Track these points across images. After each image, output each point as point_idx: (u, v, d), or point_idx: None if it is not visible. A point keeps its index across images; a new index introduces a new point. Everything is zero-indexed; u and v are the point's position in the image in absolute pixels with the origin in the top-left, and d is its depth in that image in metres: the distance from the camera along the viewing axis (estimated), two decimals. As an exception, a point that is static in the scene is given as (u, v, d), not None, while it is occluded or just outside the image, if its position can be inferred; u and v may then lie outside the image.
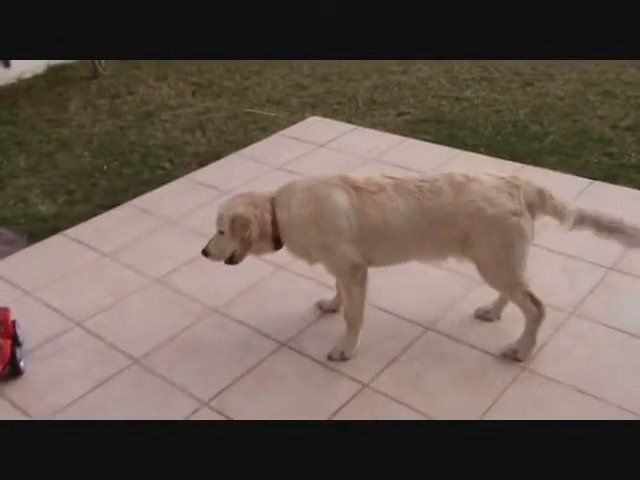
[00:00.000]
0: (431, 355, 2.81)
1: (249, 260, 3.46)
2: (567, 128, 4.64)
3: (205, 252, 2.85)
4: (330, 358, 2.83)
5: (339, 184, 2.69)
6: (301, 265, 3.36)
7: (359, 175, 2.74)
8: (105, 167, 4.52)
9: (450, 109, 5.10)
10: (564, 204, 2.63)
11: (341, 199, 2.65)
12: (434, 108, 5.14)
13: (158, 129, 5.04)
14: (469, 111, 5.05)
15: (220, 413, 2.59)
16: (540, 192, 2.63)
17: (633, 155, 4.23)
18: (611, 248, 3.29)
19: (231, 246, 2.79)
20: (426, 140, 4.61)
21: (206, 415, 2.58)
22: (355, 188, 2.67)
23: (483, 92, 5.36)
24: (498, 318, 2.96)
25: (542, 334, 2.77)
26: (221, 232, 2.80)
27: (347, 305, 2.83)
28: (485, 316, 2.97)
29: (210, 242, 2.85)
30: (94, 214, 3.99)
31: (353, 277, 2.73)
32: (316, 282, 3.24)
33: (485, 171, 2.71)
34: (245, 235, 2.73)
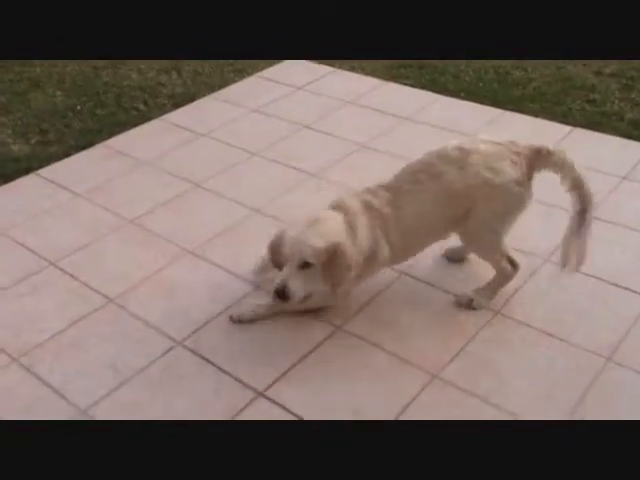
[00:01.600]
0: (405, 299, 2.83)
1: (224, 202, 3.45)
2: (550, 75, 4.59)
3: (284, 295, 2.41)
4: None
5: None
6: (276, 208, 3.37)
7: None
8: (79, 107, 4.40)
9: (432, 54, 5.02)
10: (563, 160, 2.60)
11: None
12: (416, 53, 5.06)
13: (133, 70, 4.90)
14: (451, 57, 4.97)
15: (194, 352, 2.60)
16: (539, 151, 2.61)
17: (616, 102, 4.20)
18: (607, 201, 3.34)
19: (314, 280, 2.45)
20: (406, 85, 4.54)
21: (180, 354, 2.59)
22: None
23: (466, 38, 5.27)
24: (465, 259, 2.97)
25: (515, 279, 2.80)
26: (305, 265, 2.42)
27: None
28: (453, 256, 2.98)
29: (285, 282, 2.41)
30: (67, 155, 3.90)
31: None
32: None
33: (480, 138, 2.69)
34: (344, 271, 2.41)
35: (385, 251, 2.58)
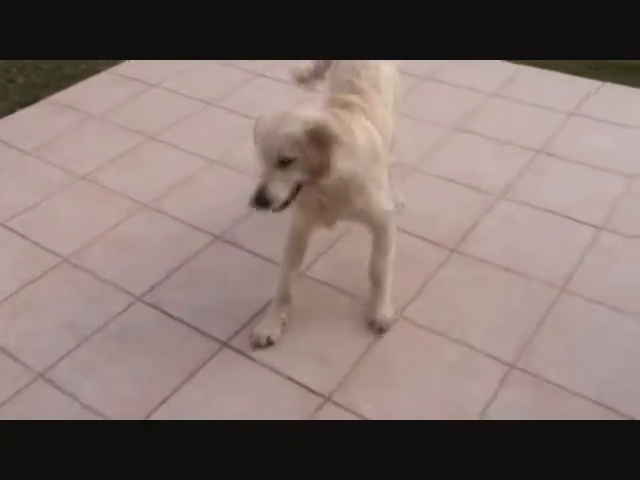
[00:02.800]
0: (364, 242, 2.82)
1: (179, 154, 3.38)
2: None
3: (265, 201, 2.02)
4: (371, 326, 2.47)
5: None
6: (233, 158, 3.31)
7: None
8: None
9: None
10: None
11: None
12: None
13: (77, 20, 4.71)
14: None
15: (154, 307, 2.58)
16: None
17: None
18: (540, 132, 3.36)
19: (297, 177, 2.06)
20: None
21: (140, 309, 2.57)
22: None
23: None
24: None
25: (471, 217, 2.82)
26: (284, 162, 2.02)
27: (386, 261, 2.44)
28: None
29: (264, 185, 2.02)
30: (12, 111, 3.77)
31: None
32: (250, 177, 3.19)
33: None
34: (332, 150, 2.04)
35: (379, 139, 2.33)
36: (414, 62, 3.63)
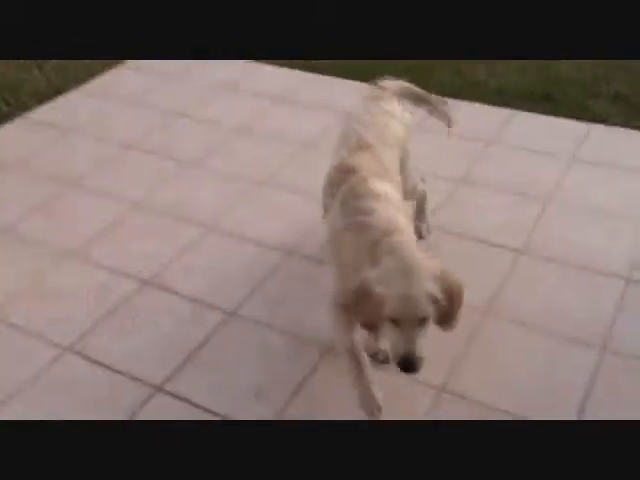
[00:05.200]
0: (296, 278, 2.86)
1: (102, 199, 3.33)
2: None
3: (415, 367, 1.92)
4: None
5: None
6: (157, 201, 3.30)
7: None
8: None
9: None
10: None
11: None
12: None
13: (-10, 68, 4.60)
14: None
15: (85, 357, 2.52)
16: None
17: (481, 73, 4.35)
18: (458, 162, 3.51)
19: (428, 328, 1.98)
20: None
21: (69, 360, 2.50)
22: None
23: None
24: None
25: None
26: (425, 319, 1.94)
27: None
28: None
29: (411, 351, 1.91)
30: None
31: None
32: (174, 219, 3.20)
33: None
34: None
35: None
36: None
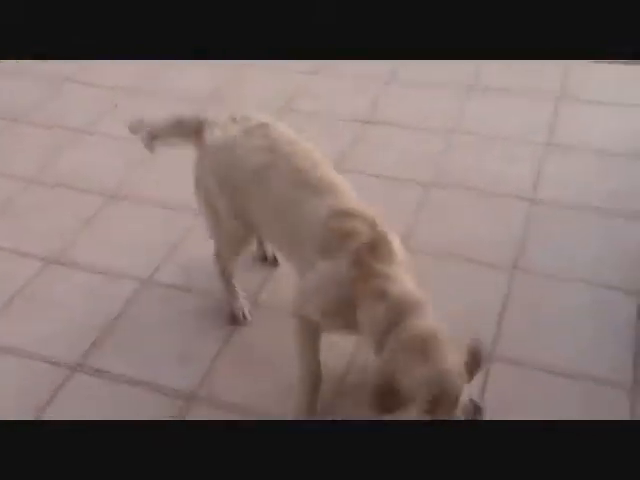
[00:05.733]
0: (155, 313, 2.51)
1: None
2: None
3: None
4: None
5: None
6: (54, 174, 3.13)
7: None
8: None
9: None
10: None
11: None
12: None
13: None
14: None
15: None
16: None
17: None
18: (363, 102, 3.48)
19: None
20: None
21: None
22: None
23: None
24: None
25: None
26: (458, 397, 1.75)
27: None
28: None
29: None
30: None
31: None
32: (72, 189, 3.05)
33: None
34: None
35: None
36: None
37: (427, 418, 1.71)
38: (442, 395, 1.67)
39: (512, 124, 3.27)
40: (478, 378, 1.97)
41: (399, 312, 1.78)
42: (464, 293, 2.46)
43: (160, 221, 2.87)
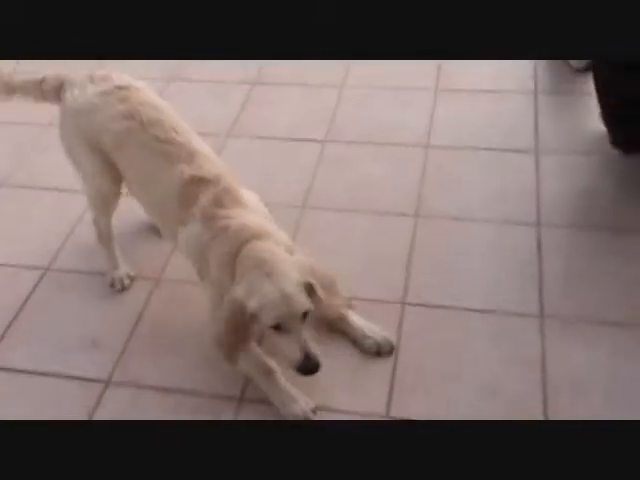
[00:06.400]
0: (59, 301, 2.43)
1: None
2: None
3: (317, 364, 1.83)
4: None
5: None
6: None
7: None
8: None
9: None
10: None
11: None
12: None
13: None
14: None
15: None
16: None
17: None
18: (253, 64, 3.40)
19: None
20: None
21: None
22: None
23: None
24: None
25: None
26: (306, 314, 1.85)
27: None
28: None
29: (305, 344, 1.83)
30: None
31: None
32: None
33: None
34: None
35: None
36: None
37: (275, 336, 1.83)
38: (287, 313, 1.79)
39: (401, 72, 3.28)
40: (393, 320, 2.14)
41: (240, 240, 1.86)
42: (370, 244, 2.50)
43: (54, 206, 2.76)
